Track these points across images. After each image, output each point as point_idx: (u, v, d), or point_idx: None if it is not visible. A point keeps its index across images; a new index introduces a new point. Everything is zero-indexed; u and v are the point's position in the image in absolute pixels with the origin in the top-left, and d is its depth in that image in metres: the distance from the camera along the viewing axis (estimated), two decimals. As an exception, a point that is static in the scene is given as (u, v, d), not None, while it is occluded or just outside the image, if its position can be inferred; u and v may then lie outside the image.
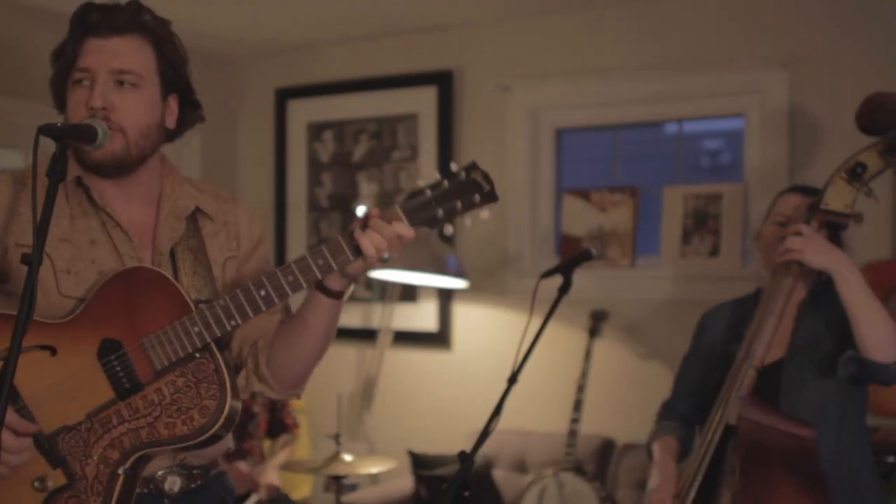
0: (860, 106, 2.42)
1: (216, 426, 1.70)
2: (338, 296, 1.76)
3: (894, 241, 3.71)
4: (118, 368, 1.71)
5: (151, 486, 1.81)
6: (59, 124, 1.62)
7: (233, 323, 1.70)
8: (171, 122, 1.88)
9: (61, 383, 1.72)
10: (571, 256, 2.75)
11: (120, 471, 1.70)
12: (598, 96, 4.32)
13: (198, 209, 1.90)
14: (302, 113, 5.03)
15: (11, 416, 1.65)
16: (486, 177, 1.68)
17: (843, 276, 2.30)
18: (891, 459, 3.28)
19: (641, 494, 3.80)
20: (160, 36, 1.84)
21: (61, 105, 1.83)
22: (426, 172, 4.66)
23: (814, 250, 2.31)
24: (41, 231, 1.53)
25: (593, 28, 4.30)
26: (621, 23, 4.24)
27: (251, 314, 1.70)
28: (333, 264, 1.68)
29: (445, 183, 1.68)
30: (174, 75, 1.85)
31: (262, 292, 1.69)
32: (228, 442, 1.96)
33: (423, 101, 4.66)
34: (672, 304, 4.05)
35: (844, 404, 2.41)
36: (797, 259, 2.33)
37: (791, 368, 2.42)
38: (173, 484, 1.83)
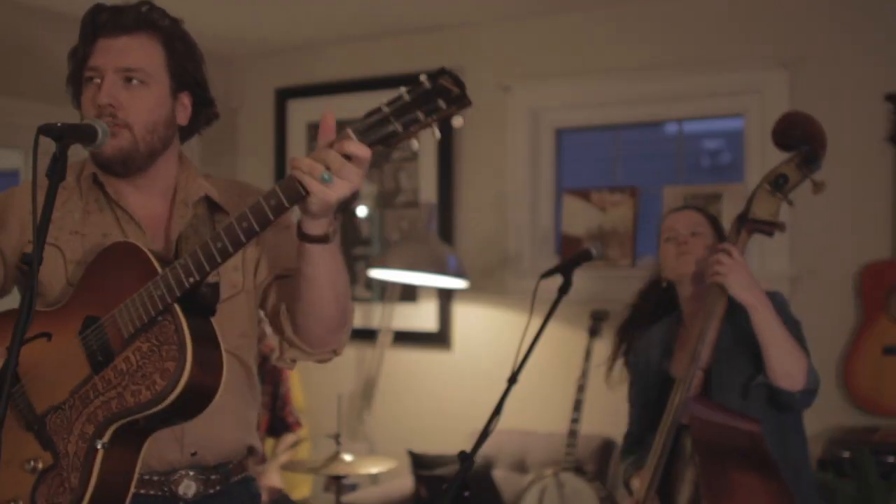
0: (776, 123, 2.57)
1: (177, 388, 1.61)
2: (321, 240, 1.68)
3: (894, 241, 3.71)
4: (93, 342, 1.71)
5: (165, 490, 1.79)
6: (58, 124, 1.62)
7: (191, 280, 1.64)
8: (182, 119, 1.89)
9: (52, 364, 1.73)
10: (571, 256, 2.76)
11: (98, 445, 1.66)
12: (598, 96, 4.32)
13: (209, 200, 1.90)
14: (302, 113, 5.03)
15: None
16: (457, 80, 1.53)
17: (757, 311, 2.45)
18: (891, 459, 3.28)
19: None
20: (170, 34, 1.85)
21: (79, 102, 1.87)
22: (426, 172, 4.67)
23: (737, 281, 2.46)
24: (41, 231, 1.54)
25: (593, 28, 4.31)
26: (621, 23, 4.24)
27: (208, 268, 1.63)
28: (285, 201, 1.58)
29: (406, 95, 1.53)
30: (185, 72, 1.86)
31: (219, 244, 1.62)
32: (249, 439, 1.93)
33: (423, 101, 4.65)
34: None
35: (772, 418, 2.52)
36: (721, 282, 2.47)
37: (720, 371, 2.53)
38: (187, 488, 1.80)
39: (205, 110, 1.93)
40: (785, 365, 2.42)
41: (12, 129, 4.02)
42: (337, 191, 1.58)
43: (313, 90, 4.98)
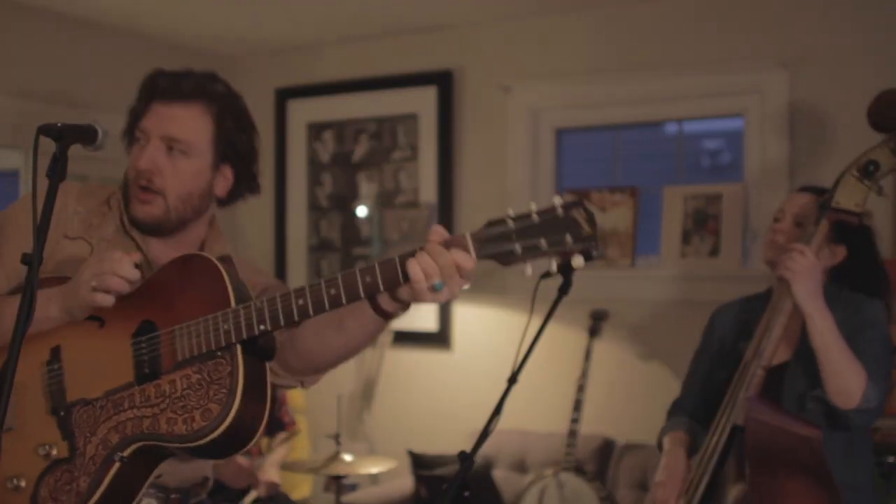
0: (873, 102, 2.40)
1: (214, 433, 1.60)
2: (386, 315, 1.65)
3: (894, 241, 3.71)
4: (144, 352, 1.71)
5: None
6: (58, 124, 1.62)
7: (262, 328, 1.62)
8: (221, 191, 1.92)
9: (97, 356, 1.73)
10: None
11: (116, 457, 1.66)
12: (598, 96, 4.32)
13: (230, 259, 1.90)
14: (302, 113, 5.03)
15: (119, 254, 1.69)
16: (591, 219, 1.44)
17: (814, 322, 2.32)
18: (891, 459, 3.28)
19: (641, 495, 3.81)
20: (224, 106, 1.88)
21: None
22: (426, 172, 4.67)
23: (804, 286, 2.33)
24: (41, 231, 1.54)
25: (593, 28, 4.30)
26: (621, 23, 4.24)
27: (283, 323, 1.62)
28: (381, 285, 1.54)
29: (535, 215, 1.46)
30: (230, 147, 1.89)
31: (300, 302, 1.60)
32: (205, 470, 1.94)
33: (423, 101, 4.66)
34: (672, 304, 4.05)
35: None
36: (788, 278, 2.34)
37: (795, 373, 2.43)
38: None
39: (246, 183, 1.96)
40: (838, 381, 2.30)
41: (12, 129, 4.02)
42: (437, 298, 1.53)
43: (313, 90, 4.98)
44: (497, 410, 2.40)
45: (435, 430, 4.52)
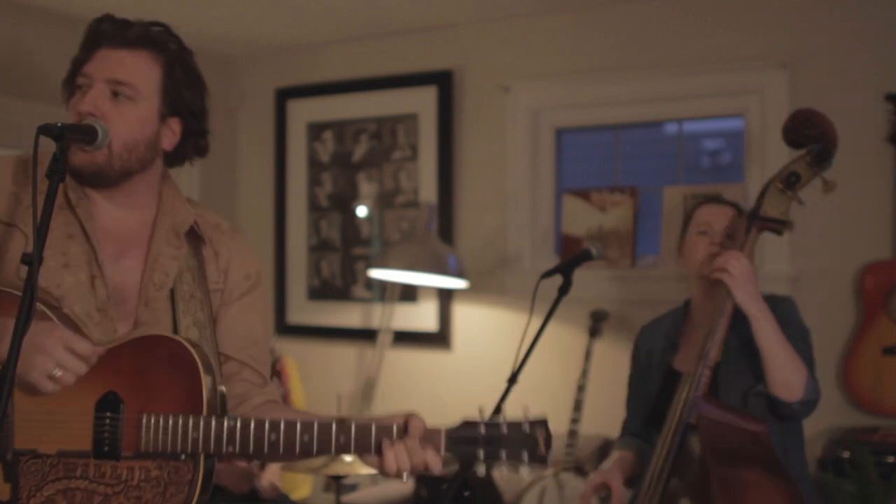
0: (788, 120, 2.58)
1: None
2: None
3: (894, 241, 3.71)
4: (106, 430, 1.66)
5: None
6: (58, 124, 1.61)
7: (230, 449, 1.63)
8: (167, 144, 1.85)
9: (53, 410, 1.66)
10: (571, 256, 2.76)
11: None
12: (598, 96, 4.32)
13: (197, 227, 1.87)
14: (302, 113, 5.03)
15: (67, 334, 1.63)
16: (548, 440, 1.60)
17: (759, 322, 2.45)
18: (891, 459, 3.28)
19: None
20: (174, 57, 1.82)
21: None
22: (426, 172, 4.67)
23: (744, 290, 2.46)
24: (41, 231, 1.53)
25: (593, 28, 4.30)
26: (621, 23, 4.24)
27: (251, 452, 1.64)
28: (352, 448, 1.62)
29: (504, 428, 1.60)
30: (179, 99, 1.82)
31: (273, 437, 1.62)
32: None
33: (423, 101, 4.66)
34: (672, 304, 4.03)
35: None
36: (727, 283, 2.46)
37: (727, 371, 2.54)
38: None
39: (194, 140, 1.89)
40: (784, 376, 2.43)
41: (12, 129, 4.02)
42: (403, 476, 1.62)
43: (313, 90, 4.97)
44: (497, 410, 2.41)
45: (435, 430, 4.52)
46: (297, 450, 1.63)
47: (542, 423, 1.60)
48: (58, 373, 1.60)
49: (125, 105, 1.77)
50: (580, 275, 2.80)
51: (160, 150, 1.85)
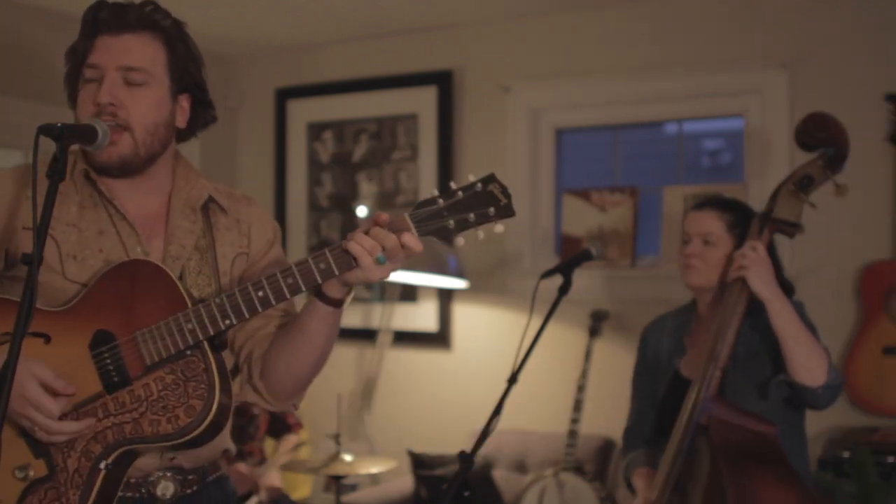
0: (801, 122, 2.56)
1: (201, 427, 1.66)
2: (337, 303, 1.73)
3: (894, 241, 3.71)
4: (108, 361, 1.70)
5: (143, 491, 1.78)
6: (58, 124, 1.61)
7: (227, 322, 1.67)
8: (181, 122, 1.87)
9: (54, 372, 1.69)
10: (571, 256, 2.76)
11: (101, 465, 1.68)
12: (598, 96, 4.32)
13: (211, 200, 1.89)
14: (302, 113, 5.03)
15: (48, 374, 1.65)
16: (504, 190, 1.66)
17: (774, 306, 2.45)
18: (891, 459, 3.28)
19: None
20: (172, 35, 1.83)
21: (75, 102, 1.83)
22: (426, 172, 4.67)
23: (758, 275, 2.46)
24: (41, 231, 1.53)
25: (593, 28, 4.31)
26: (621, 23, 4.24)
27: (247, 315, 1.67)
28: (335, 269, 1.65)
29: (459, 193, 1.65)
30: (185, 75, 1.84)
31: (260, 293, 1.66)
32: (225, 443, 1.94)
33: (423, 101, 4.66)
34: (672, 304, 4.03)
35: (783, 421, 2.52)
36: (743, 276, 2.47)
37: (734, 378, 2.53)
38: (166, 489, 1.79)
39: (203, 113, 1.91)
40: (805, 360, 2.41)
41: (12, 129, 4.02)
42: (384, 272, 1.66)
43: (313, 90, 4.98)
44: (497, 410, 2.40)
45: (435, 431, 4.52)
46: (287, 294, 1.66)
47: (491, 177, 1.67)
48: (35, 425, 1.65)
49: (140, 91, 1.78)
50: (580, 275, 2.80)
51: (174, 128, 1.87)
